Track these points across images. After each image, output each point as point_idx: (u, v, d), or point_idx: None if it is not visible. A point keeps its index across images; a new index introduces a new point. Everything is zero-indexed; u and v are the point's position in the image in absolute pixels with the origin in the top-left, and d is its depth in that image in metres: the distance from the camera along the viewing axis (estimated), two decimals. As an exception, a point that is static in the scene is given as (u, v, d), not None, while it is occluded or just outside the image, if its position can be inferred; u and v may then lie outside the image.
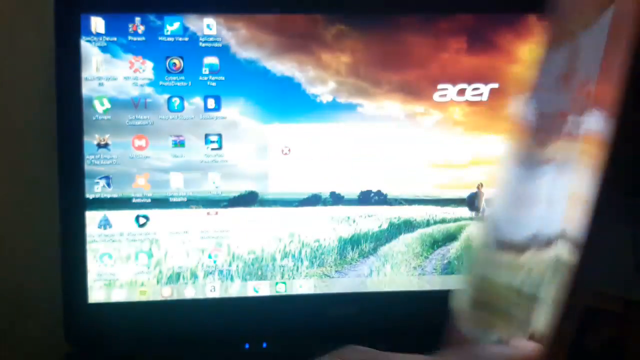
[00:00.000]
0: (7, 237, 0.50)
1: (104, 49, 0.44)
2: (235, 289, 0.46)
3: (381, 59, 0.46)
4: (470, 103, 0.47)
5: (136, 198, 0.45)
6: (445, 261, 0.48)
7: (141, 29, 0.44)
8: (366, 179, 0.47)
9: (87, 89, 0.44)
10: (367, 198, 0.47)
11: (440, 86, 0.46)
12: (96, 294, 0.45)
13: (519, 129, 0.28)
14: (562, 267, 0.28)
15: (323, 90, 0.46)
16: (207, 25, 0.45)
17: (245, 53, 0.45)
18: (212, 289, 0.46)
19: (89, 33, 0.44)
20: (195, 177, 0.46)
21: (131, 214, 0.45)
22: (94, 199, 0.45)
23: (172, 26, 0.45)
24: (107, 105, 0.44)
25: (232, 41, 0.45)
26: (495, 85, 0.47)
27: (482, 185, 0.48)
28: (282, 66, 0.45)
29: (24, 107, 0.49)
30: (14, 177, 0.50)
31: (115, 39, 0.44)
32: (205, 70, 0.45)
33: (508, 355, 0.27)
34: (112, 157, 0.45)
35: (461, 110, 0.47)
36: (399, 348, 0.27)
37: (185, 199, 0.46)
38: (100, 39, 0.44)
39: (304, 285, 0.47)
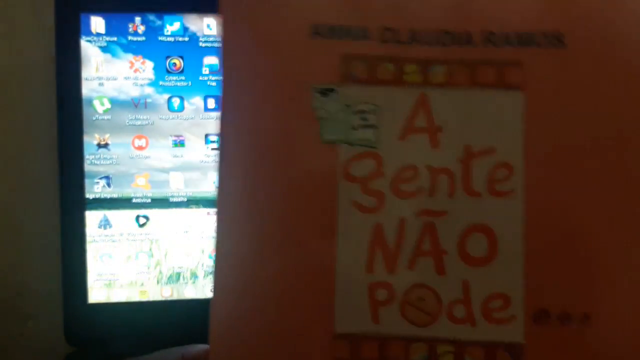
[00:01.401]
0: (7, 237, 0.50)
1: (104, 49, 0.44)
2: (236, 289, 0.46)
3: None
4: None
5: (136, 198, 0.45)
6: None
7: (141, 29, 0.44)
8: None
9: (87, 89, 0.44)
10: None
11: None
12: (96, 294, 0.45)
13: None
14: None
15: (323, 90, 0.46)
16: (207, 25, 0.45)
17: (245, 53, 0.45)
18: (212, 289, 0.46)
19: (89, 33, 0.44)
20: (195, 177, 0.46)
21: (131, 214, 0.45)
22: (94, 199, 0.45)
23: (172, 26, 0.45)
24: (107, 105, 0.44)
25: (232, 41, 0.45)
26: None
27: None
28: (282, 66, 0.45)
29: (24, 107, 0.49)
30: (14, 177, 0.50)
31: (115, 38, 0.44)
32: (206, 70, 0.45)
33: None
34: (112, 157, 0.45)
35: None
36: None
37: (185, 199, 0.46)
38: (100, 38, 0.44)
39: (304, 285, 0.47)
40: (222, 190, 0.32)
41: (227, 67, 0.32)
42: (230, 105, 0.32)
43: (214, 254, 0.32)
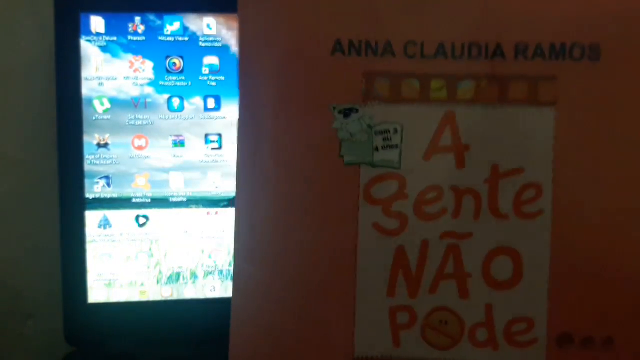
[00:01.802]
0: (7, 237, 0.50)
1: (104, 49, 0.44)
2: (236, 289, 0.46)
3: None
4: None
5: (136, 198, 0.45)
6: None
7: (141, 28, 0.44)
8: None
9: (87, 89, 0.44)
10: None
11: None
12: (96, 294, 0.45)
13: None
14: None
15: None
16: (207, 25, 0.45)
17: (245, 53, 0.45)
18: (212, 289, 0.46)
19: (88, 33, 0.44)
20: (195, 177, 0.46)
21: (131, 214, 0.45)
22: (94, 199, 0.45)
23: (172, 26, 0.45)
24: (107, 105, 0.44)
25: (232, 41, 0.45)
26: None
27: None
28: (282, 66, 0.45)
29: (24, 107, 0.49)
30: (14, 177, 0.50)
31: (115, 38, 0.44)
32: (206, 70, 0.45)
33: None
34: (112, 157, 0.45)
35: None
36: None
37: (185, 199, 0.45)
38: (100, 38, 0.44)
39: (304, 285, 0.47)
40: (240, 212, 0.32)
41: (244, 85, 0.31)
42: (249, 123, 0.31)
43: (233, 278, 0.32)
